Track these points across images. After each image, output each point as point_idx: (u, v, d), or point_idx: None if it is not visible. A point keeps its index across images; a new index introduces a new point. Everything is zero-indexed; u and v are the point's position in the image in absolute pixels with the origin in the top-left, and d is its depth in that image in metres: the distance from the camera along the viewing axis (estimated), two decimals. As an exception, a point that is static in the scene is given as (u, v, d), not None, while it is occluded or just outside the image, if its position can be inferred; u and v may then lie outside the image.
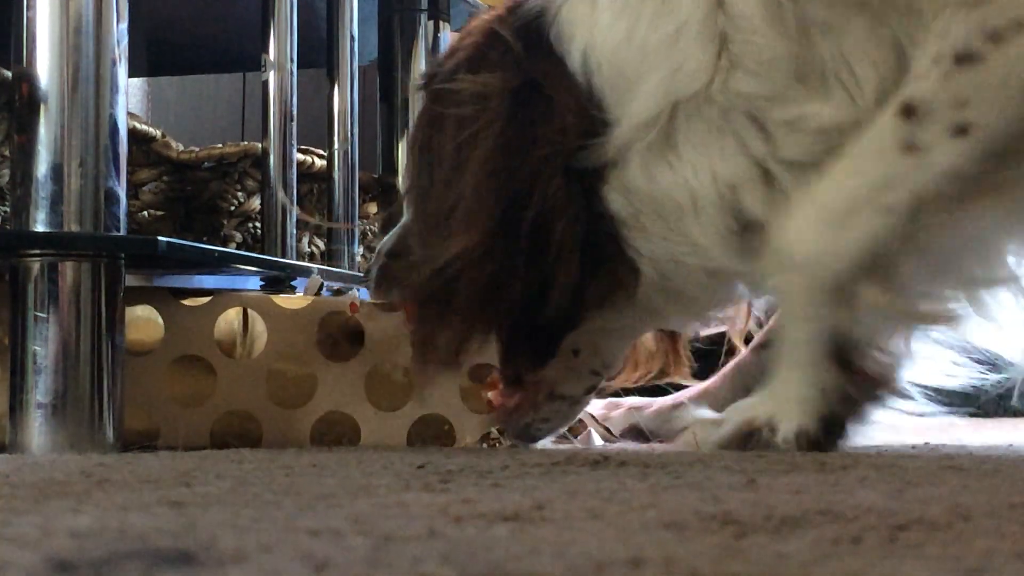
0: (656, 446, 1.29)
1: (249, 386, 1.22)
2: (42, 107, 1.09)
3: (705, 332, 1.36)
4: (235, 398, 1.22)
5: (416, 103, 1.77)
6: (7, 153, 1.30)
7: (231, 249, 1.50)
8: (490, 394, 1.24)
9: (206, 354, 1.22)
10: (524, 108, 1.14)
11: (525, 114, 1.14)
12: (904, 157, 1.02)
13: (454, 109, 1.16)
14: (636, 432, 1.41)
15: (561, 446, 1.30)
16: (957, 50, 1.00)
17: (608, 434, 1.44)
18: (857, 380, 1.06)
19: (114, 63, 1.11)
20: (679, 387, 1.40)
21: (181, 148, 1.48)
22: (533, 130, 1.13)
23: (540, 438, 1.25)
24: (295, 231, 1.50)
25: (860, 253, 1.03)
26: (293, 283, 1.39)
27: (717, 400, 1.34)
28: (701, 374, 1.40)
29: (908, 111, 1.02)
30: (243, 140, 1.60)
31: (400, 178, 1.78)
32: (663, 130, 1.10)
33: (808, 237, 1.05)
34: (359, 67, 1.60)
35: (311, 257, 1.64)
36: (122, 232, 1.11)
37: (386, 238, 1.31)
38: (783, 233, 1.06)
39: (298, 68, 1.45)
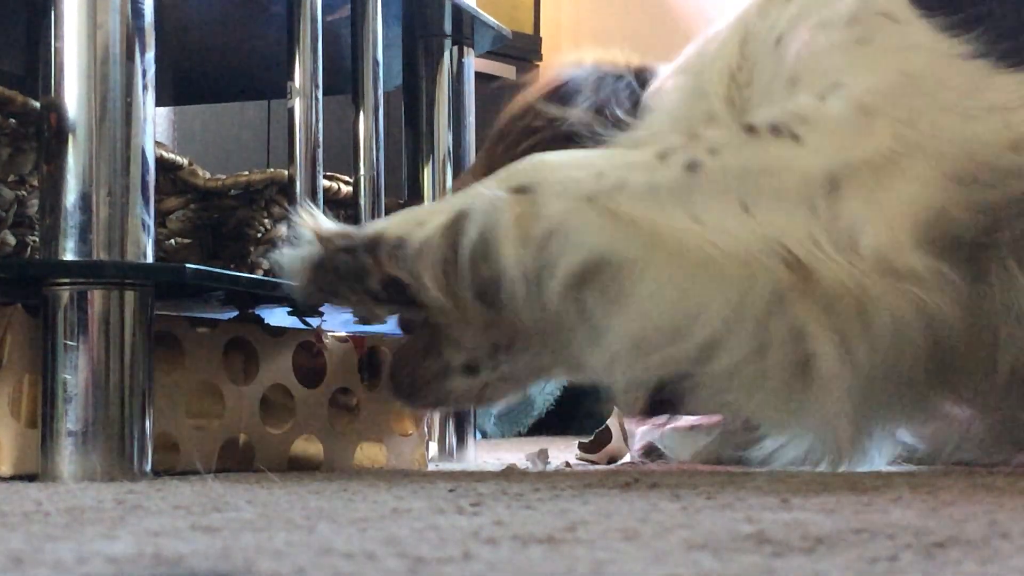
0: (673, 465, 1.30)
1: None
2: (70, 137, 1.09)
3: None
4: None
5: (441, 128, 1.77)
6: (36, 183, 1.31)
7: (258, 276, 1.51)
8: None
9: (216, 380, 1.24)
10: None
11: None
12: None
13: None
14: (650, 449, 1.40)
15: (590, 467, 1.30)
16: None
17: (625, 447, 1.44)
18: None
19: (142, 92, 1.12)
20: None
21: (208, 176, 1.48)
22: None
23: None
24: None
25: None
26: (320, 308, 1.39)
27: None
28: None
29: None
30: (269, 167, 1.60)
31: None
32: None
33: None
34: (384, 93, 1.60)
35: (338, 283, 1.63)
36: (150, 260, 1.12)
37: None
38: None
39: (323, 95, 1.45)
